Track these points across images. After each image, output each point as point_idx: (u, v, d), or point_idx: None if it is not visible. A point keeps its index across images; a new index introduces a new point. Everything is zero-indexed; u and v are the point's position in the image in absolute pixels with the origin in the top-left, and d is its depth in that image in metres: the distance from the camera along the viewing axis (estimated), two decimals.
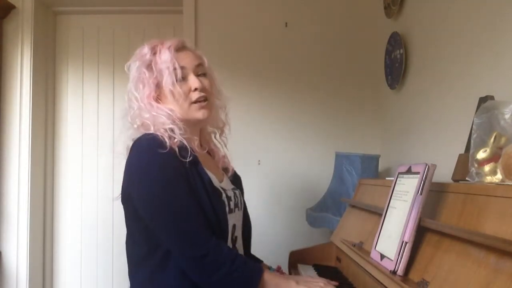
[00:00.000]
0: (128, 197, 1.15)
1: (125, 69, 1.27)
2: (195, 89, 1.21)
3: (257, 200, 2.44)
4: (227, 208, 1.19)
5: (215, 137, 1.40)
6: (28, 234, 2.44)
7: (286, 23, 2.51)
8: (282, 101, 2.50)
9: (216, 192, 1.18)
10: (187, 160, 1.12)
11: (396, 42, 2.11)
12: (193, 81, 1.21)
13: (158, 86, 1.21)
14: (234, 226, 1.24)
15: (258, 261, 1.41)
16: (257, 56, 2.50)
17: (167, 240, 1.10)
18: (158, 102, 1.22)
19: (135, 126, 1.20)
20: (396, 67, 2.11)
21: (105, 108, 2.73)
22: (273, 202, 2.46)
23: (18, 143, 2.46)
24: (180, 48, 1.24)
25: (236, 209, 1.26)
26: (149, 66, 1.22)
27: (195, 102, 1.21)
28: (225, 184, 1.27)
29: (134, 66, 1.24)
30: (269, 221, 2.43)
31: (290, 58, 2.50)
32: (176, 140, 1.13)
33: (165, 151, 1.09)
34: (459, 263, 0.82)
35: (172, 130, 1.15)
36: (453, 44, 1.61)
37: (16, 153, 2.46)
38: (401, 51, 2.02)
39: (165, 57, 1.20)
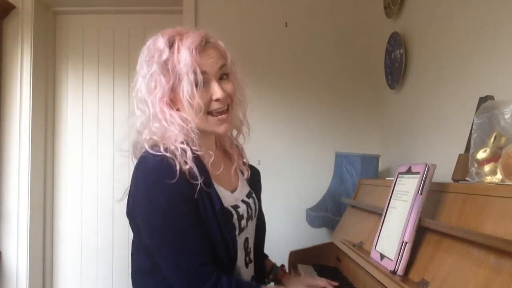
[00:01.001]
0: (133, 216, 1.10)
1: (138, 68, 1.11)
2: (217, 99, 1.07)
3: None
4: (237, 231, 1.12)
5: (230, 135, 1.28)
6: (28, 234, 2.44)
7: (286, 23, 2.51)
8: (282, 101, 2.50)
9: (227, 216, 1.09)
10: (198, 183, 1.01)
11: (396, 42, 2.11)
12: (215, 91, 1.07)
13: (173, 89, 1.06)
14: (246, 239, 1.19)
15: (264, 257, 1.39)
16: (257, 56, 2.50)
17: (167, 273, 1.05)
18: (171, 107, 1.07)
19: (143, 137, 1.07)
20: (396, 67, 2.11)
21: (105, 108, 2.73)
22: (273, 202, 2.46)
23: (18, 143, 2.46)
24: (202, 47, 1.08)
25: (249, 221, 1.19)
26: (164, 66, 1.05)
27: (215, 113, 1.09)
28: (238, 194, 1.19)
29: (145, 62, 1.08)
30: (269, 221, 2.42)
31: (290, 58, 2.50)
32: (188, 166, 1.00)
33: (173, 181, 0.98)
34: (459, 263, 0.82)
35: (184, 151, 1.02)
36: (453, 44, 1.61)
37: (16, 153, 2.46)
38: (401, 51, 2.02)
39: (184, 59, 1.03)
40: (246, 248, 1.19)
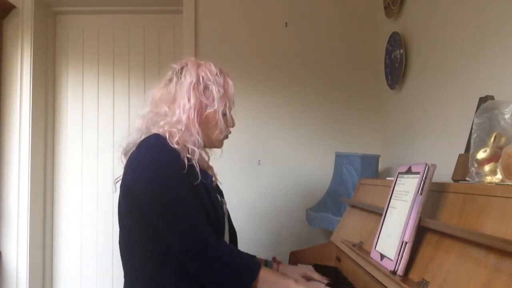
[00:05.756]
0: (131, 192, 1.17)
1: (175, 66, 1.28)
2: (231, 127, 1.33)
3: (257, 200, 2.44)
4: (223, 209, 1.27)
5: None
6: (28, 234, 2.44)
7: (286, 23, 2.51)
8: (282, 101, 2.50)
9: (215, 195, 1.24)
10: (192, 162, 1.17)
11: (396, 42, 2.11)
12: (233, 121, 1.33)
13: (206, 107, 1.24)
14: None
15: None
16: (257, 56, 2.50)
17: (170, 234, 1.12)
18: (199, 122, 1.24)
19: (161, 130, 1.19)
20: (396, 67, 2.11)
21: (105, 108, 2.73)
22: (273, 202, 2.46)
23: (18, 143, 2.46)
24: None
25: (226, 215, 1.31)
26: (208, 86, 1.25)
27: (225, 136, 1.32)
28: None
29: (196, 76, 1.24)
30: (269, 221, 2.44)
31: (290, 58, 2.50)
32: (191, 163, 1.16)
33: (177, 162, 1.13)
34: (459, 263, 0.82)
35: (193, 152, 1.17)
36: (453, 44, 1.61)
37: (16, 153, 2.46)
38: (401, 51, 2.02)
39: (231, 90, 1.29)
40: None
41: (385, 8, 2.26)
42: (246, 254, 1.19)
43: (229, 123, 1.31)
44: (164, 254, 1.13)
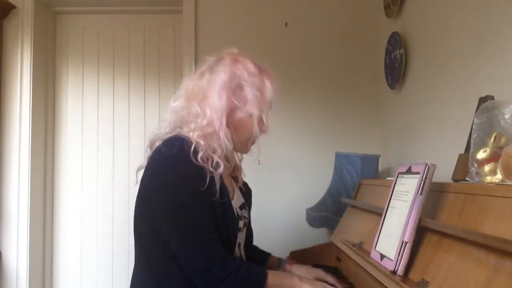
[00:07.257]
0: (147, 199, 1.13)
1: (211, 59, 1.19)
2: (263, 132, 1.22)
3: (257, 200, 2.43)
4: (237, 226, 1.19)
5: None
6: (28, 234, 2.44)
7: (286, 23, 2.51)
8: (282, 101, 2.49)
9: (232, 210, 1.17)
10: (214, 176, 1.10)
11: (396, 42, 2.11)
12: (268, 126, 1.22)
13: (237, 110, 1.15)
14: (239, 244, 1.24)
15: (266, 254, 1.44)
16: (257, 56, 2.48)
17: (177, 247, 1.09)
18: (228, 124, 1.15)
19: (190, 134, 1.11)
20: (396, 67, 2.11)
21: (105, 108, 2.73)
22: (273, 202, 2.46)
23: (18, 143, 2.46)
24: None
25: (244, 228, 1.26)
26: (242, 86, 1.15)
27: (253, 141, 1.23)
28: (236, 201, 1.25)
29: (228, 72, 1.15)
30: (269, 221, 2.43)
31: (290, 58, 2.50)
32: (213, 175, 1.09)
33: (194, 166, 1.06)
34: (459, 263, 0.82)
35: (218, 165, 1.10)
36: (453, 44, 1.61)
37: (16, 153, 2.45)
38: (401, 51, 2.02)
39: (269, 92, 1.19)
40: (239, 252, 1.24)
41: (385, 8, 2.26)
42: (253, 266, 1.15)
43: (262, 128, 1.21)
44: (172, 260, 1.11)
